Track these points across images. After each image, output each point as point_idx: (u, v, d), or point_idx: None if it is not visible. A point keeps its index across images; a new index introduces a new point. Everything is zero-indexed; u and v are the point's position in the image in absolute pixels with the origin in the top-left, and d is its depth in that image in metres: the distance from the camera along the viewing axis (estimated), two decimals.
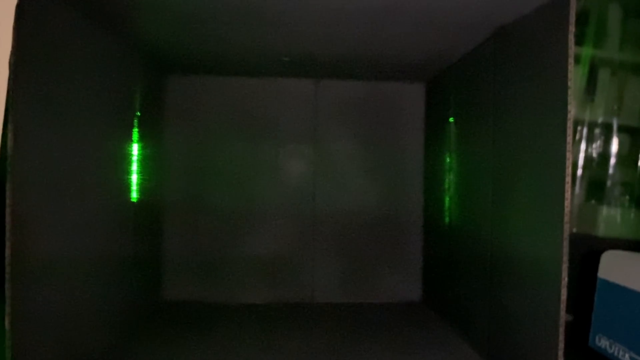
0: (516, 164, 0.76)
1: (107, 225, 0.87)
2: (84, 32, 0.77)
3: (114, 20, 0.81)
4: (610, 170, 1.09)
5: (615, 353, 0.80)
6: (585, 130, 1.09)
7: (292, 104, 1.23)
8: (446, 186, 1.08)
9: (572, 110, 0.61)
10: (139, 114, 1.00)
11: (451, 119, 1.07)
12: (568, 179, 0.61)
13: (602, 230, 1.07)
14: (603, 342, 0.83)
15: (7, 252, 0.58)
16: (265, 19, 0.81)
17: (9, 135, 0.59)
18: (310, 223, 1.24)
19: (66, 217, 0.72)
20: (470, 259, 0.94)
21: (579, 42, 1.09)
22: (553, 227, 0.63)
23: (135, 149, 0.99)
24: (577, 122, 1.08)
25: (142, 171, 1.01)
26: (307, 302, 1.23)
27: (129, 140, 0.98)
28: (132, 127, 0.98)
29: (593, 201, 1.09)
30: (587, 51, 1.09)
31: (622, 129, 1.11)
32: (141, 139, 1.01)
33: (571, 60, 0.61)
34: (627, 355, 0.78)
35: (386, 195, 1.26)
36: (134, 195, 0.99)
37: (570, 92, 0.61)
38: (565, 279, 0.61)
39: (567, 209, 0.61)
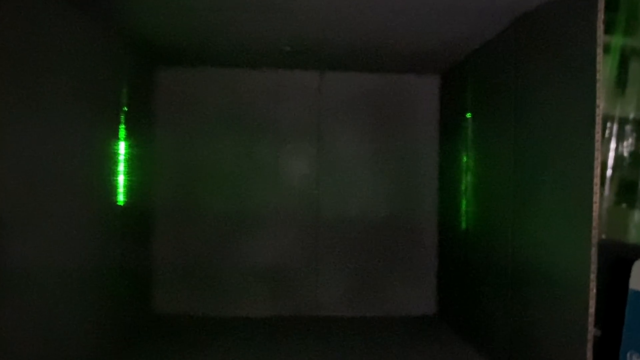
0: (539, 163, 0.76)
1: (91, 230, 0.87)
2: (66, 19, 0.77)
3: (99, 6, 0.81)
4: None
5: None
6: (615, 127, 1.08)
7: (294, 98, 1.24)
8: (463, 188, 1.08)
9: (601, 105, 0.61)
10: (126, 109, 1.01)
11: (468, 115, 1.07)
12: (596, 180, 0.61)
13: (633, 237, 1.07)
14: (634, 359, 0.83)
15: None
16: (264, 3, 0.81)
17: None
18: (314, 229, 1.24)
19: (46, 222, 0.72)
20: (489, 268, 0.94)
21: (608, 30, 1.09)
22: (580, 233, 0.63)
23: (122, 147, 0.99)
24: (607, 118, 1.08)
25: (130, 172, 1.01)
26: (311, 315, 1.23)
27: (115, 138, 0.98)
28: (118, 123, 0.99)
29: (624, 205, 1.08)
30: (617, 40, 1.09)
31: None
32: (128, 137, 1.01)
33: (600, 50, 0.61)
34: None
35: (397, 198, 1.26)
36: (121, 198, 0.99)
37: (598, 85, 0.61)
38: (593, 290, 0.61)
39: (595, 214, 0.61)
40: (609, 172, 1.09)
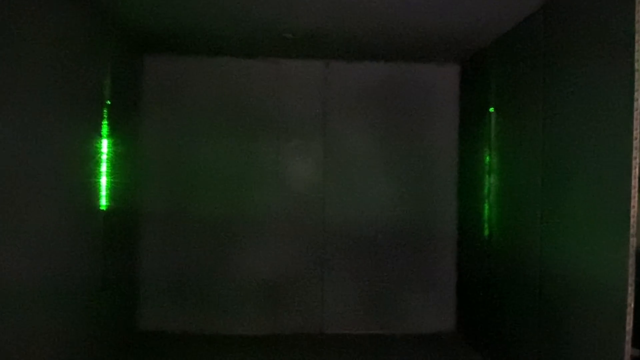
0: (571, 164, 0.75)
1: (70, 239, 0.87)
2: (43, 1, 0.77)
3: None
4: None
5: None
6: None
7: (297, 91, 1.24)
8: (485, 191, 1.08)
9: None
10: (109, 102, 1.01)
11: (491, 109, 1.07)
12: (634, 182, 0.61)
13: None
14: None
15: None
16: None
17: None
18: (319, 237, 1.24)
19: (18, 230, 0.72)
20: (515, 279, 0.94)
21: None
22: (616, 241, 0.63)
23: (104, 145, 0.99)
24: None
25: (114, 173, 1.02)
26: (316, 333, 1.23)
27: (97, 135, 0.98)
28: (100, 118, 0.99)
29: None
30: None
31: None
32: (112, 134, 1.01)
33: (638, 37, 0.61)
34: None
35: (411, 203, 1.25)
36: (104, 202, 0.99)
37: (637, 76, 0.61)
38: (631, 305, 0.61)
39: (633, 219, 0.61)
40: None
